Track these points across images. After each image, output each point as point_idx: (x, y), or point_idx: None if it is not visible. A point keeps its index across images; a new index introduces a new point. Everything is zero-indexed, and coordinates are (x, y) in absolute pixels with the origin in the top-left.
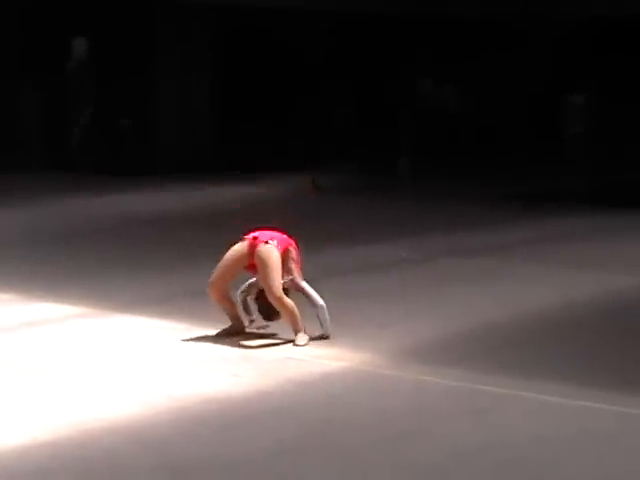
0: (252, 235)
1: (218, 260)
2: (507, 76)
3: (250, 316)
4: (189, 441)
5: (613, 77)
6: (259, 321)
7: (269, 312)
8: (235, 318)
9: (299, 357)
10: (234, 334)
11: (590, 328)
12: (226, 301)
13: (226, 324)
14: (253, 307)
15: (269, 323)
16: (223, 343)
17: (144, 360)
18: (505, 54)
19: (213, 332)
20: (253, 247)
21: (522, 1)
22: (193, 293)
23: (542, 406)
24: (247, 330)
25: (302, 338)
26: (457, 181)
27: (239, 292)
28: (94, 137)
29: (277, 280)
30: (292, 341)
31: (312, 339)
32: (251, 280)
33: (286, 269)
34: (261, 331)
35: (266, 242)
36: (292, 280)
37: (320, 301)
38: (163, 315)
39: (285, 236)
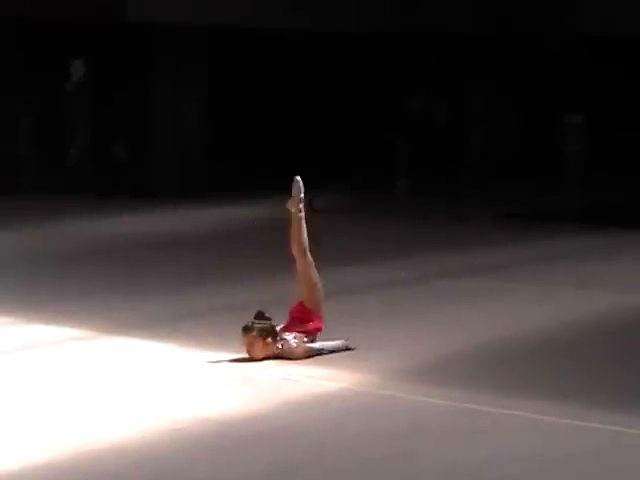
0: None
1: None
2: (503, 93)
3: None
4: (186, 462)
5: (611, 97)
6: None
7: None
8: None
9: (295, 378)
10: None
11: (587, 347)
12: None
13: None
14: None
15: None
16: (221, 364)
17: (141, 382)
18: (501, 71)
19: (212, 354)
20: None
21: (520, 17)
22: (192, 315)
23: (538, 425)
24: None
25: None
26: (454, 200)
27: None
28: (91, 159)
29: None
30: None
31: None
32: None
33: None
34: None
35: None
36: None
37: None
38: (161, 337)
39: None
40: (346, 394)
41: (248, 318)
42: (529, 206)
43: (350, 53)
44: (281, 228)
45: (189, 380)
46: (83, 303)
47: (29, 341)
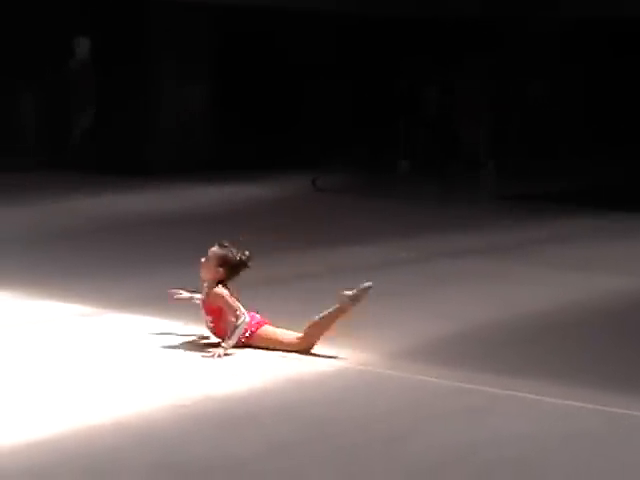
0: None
1: None
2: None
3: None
4: (190, 439)
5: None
6: None
7: None
8: None
9: (298, 356)
10: None
11: (586, 329)
12: None
13: None
14: None
15: None
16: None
17: (145, 358)
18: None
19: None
20: None
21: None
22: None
23: (536, 406)
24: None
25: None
26: (457, 182)
27: None
28: (95, 137)
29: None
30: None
31: None
32: None
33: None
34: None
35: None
36: None
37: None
38: (164, 314)
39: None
40: (348, 373)
41: (255, 297)
42: (530, 187)
43: (354, 32)
44: (282, 208)
45: (192, 357)
46: (88, 279)
47: (31, 317)
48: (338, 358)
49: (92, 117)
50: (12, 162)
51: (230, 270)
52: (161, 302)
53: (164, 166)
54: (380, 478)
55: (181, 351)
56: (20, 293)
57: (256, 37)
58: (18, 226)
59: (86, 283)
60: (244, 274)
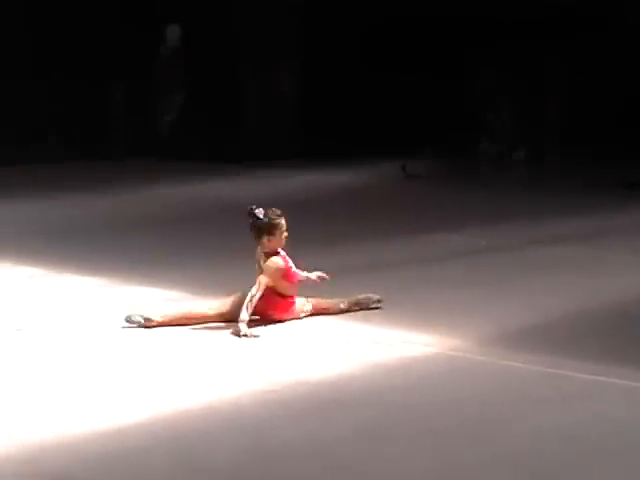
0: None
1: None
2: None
3: None
4: (280, 424)
5: None
6: None
7: None
8: None
9: (387, 342)
10: None
11: None
12: None
13: None
14: None
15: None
16: (313, 327)
17: (237, 344)
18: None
19: (308, 317)
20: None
21: None
22: None
23: (629, 393)
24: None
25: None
26: (550, 168)
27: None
28: (184, 124)
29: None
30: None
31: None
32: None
33: None
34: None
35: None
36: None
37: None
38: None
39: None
40: (436, 358)
41: (342, 283)
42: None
43: (443, 22)
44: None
45: (283, 342)
46: (176, 266)
47: (120, 303)
48: (427, 344)
49: (182, 104)
50: (102, 150)
51: (258, 232)
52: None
53: (253, 153)
54: (471, 461)
55: (273, 337)
56: (109, 280)
57: (345, 21)
58: (109, 213)
59: (175, 269)
60: (327, 262)
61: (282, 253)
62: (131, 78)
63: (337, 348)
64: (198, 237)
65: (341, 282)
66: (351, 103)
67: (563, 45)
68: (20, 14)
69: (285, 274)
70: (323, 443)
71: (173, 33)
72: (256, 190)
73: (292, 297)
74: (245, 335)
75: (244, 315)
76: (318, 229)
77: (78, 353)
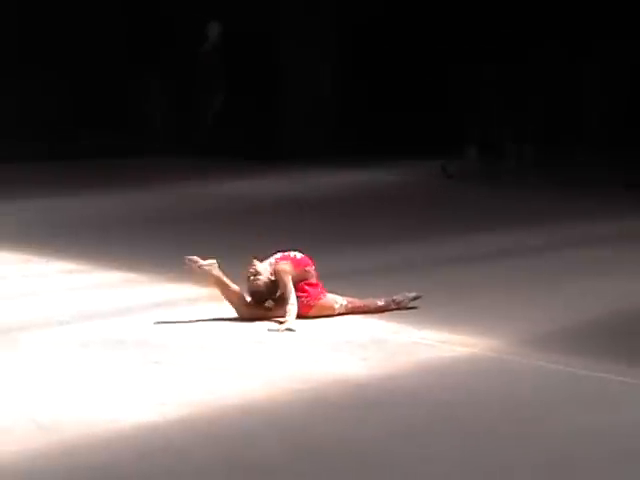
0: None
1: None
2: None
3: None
4: (314, 421)
5: None
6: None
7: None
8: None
9: (426, 342)
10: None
11: None
12: None
13: None
14: None
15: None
16: (350, 326)
17: (277, 342)
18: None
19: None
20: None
21: None
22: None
23: None
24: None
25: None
26: (585, 169)
27: None
28: (224, 121)
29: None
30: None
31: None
32: None
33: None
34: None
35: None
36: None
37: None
38: None
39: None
40: (476, 359)
41: (385, 282)
42: None
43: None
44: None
45: (322, 341)
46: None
47: (160, 299)
48: (464, 345)
49: (222, 101)
50: (142, 146)
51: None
52: None
53: (293, 150)
54: (505, 461)
55: (312, 335)
56: (147, 276)
57: (384, 15)
58: (147, 209)
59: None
60: (364, 261)
61: (298, 255)
62: (171, 74)
63: (374, 347)
64: (233, 234)
65: (378, 281)
66: (390, 101)
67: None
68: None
69: (295, 265)
70: (358, 441)
71: (213, 30)
72: (295, 186)
73: (318, 284)
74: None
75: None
76: (354, 228)
77: (117, 347)
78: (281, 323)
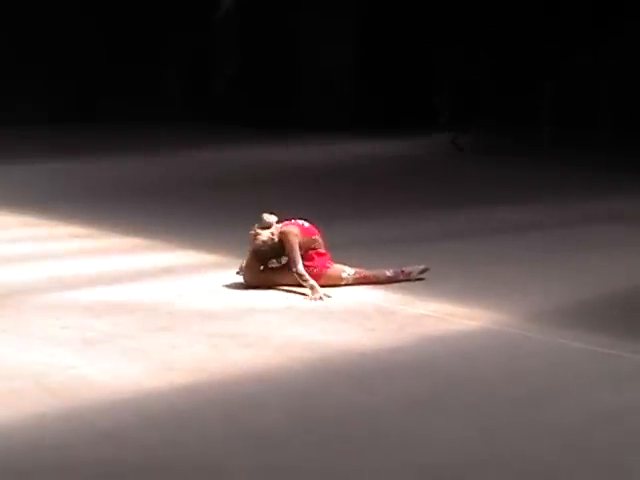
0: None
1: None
2: None
3: None
4: (326, 391)
5: None
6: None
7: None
8: None
9: (434, 315)
10: None
11: None
12: None
13: None
14: None
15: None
16: (359, 297)
17: (285, 311)
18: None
19: (353, 288)
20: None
21: None
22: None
23: None
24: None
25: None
26: (600, 149)
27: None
28: (238, 88)
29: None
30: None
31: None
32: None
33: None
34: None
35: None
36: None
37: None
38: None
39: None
40: (484, 333)
41: (396, 254)
42: None
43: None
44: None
45: (330, 311)
46: (220, 231)
47: (168, 265)
48: (473, 318)
49: (236, 68)
50: (156, 112)
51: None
52: None
53: (308, 119)
54: (516, 432)
55: (318, 304)
56: (157, 242)
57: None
58: (156, 176)
59: (221, 234)
60: (376, 232)
61: (305, 224)
62: (186, 40)
63: (382, 318)
64: (243, 202)
65: (389, 253)
66: (406, 74)
67: None
68: None
69: (302, 231)
70: (369, 411)
71: None
72: (310, 156)
73: (326, 254)
74: (321, 298)
75: (308, 278)
76: (367, 199)
77: (124, 312)
78: (307, 294)
